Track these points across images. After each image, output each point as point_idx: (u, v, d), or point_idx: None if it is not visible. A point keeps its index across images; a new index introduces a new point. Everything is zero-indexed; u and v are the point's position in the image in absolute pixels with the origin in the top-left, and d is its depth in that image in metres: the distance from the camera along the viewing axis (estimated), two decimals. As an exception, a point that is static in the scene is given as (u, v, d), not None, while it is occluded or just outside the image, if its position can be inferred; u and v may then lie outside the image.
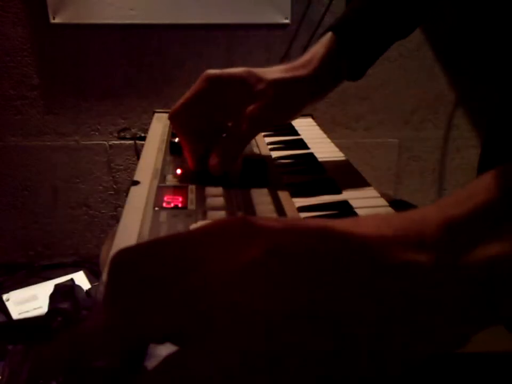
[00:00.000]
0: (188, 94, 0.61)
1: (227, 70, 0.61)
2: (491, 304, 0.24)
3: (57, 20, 1.73)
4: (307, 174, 0.65)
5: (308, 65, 0.63)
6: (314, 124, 0.88)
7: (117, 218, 1.94)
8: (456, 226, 0.25)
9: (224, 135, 0.62)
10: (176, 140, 0.67)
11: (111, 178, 1.95)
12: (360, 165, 0.69)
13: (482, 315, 0.24)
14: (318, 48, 0.65)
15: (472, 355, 0.30)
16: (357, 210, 0.53)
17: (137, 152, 0.71)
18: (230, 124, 0.63)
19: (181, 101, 0.61)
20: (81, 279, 1.75)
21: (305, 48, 1.72)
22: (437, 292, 0.24)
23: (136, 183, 0.57)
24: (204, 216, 0.49)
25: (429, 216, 0.25)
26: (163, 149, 0.69)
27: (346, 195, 0.58)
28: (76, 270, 1.83)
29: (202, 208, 0.51)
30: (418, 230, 0.25)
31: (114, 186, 1.96)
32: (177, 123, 0.62)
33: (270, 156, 0.70)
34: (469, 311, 0.24)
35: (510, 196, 0.25)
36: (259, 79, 0.61)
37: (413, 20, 0.68)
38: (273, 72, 0.63)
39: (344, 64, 0.65)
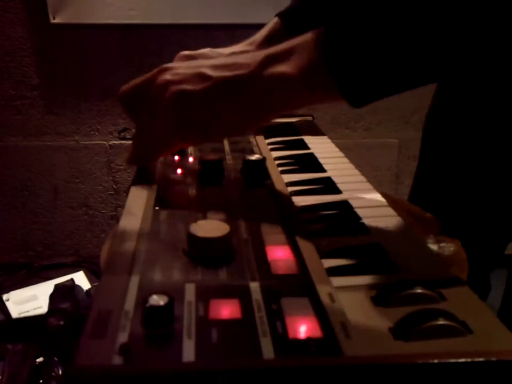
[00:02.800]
0: None
1: (196, 50, 0.78)
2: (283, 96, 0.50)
3: (57, 20, 1.73)
4: (307, 173, 0.65)
5: (252, 44, 0.80)
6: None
7: (117, 218, 1.94)
8: (268, 57, 0.49)
9: None
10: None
11: (111, 178, 1.95)
12: (360, 165, 0.69)
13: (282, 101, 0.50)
14: (262, 30, 0.81)
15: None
16: (357, 210, 0.53)
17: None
18: None
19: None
20: (81, 279, 1.75)
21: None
22: (257, 87, 0.49)
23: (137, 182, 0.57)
24: (204, 216, 0.49)
25: (262, 51, 0.50)
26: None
27: (346, 195, 0.58)
28: (76, 270, 1.83)
29: (203, 208, 0.51)
30: (249, 60, 0.50)
31: (114, 186, 1.96)
32: None
33: (271, 155, 0.70)
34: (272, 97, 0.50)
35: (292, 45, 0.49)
36: (220, 55, 0.78)
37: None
38: (231, 48, 0.80)
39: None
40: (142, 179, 0.58)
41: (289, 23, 0.80)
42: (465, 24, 0.40)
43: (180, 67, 0.54)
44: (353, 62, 0.44)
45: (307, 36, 0.48)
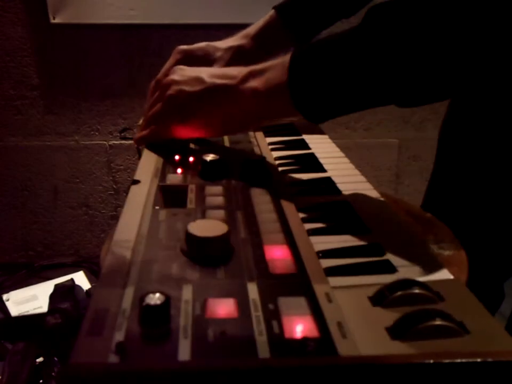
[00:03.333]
0: (167, 65, 0.78)
1: (193, 45, 0.80)
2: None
3: (57, 20, 1.72)
4: (307, 173, 0.64)
5: (247, 36, 0.82)
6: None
7: (117, 218, 1.94)
8: (250, 72, 0.58)
9: None
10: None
11: (111, 178, 1.95)
12: (360, 165, 0.69)
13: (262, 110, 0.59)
14: (257, 22, 0.83)
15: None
16: (357, 210, 0.53)
17: (139, 151, 0.72)
18: None
19: (162, 70, 0.77)
20: (81, 279, 1.75)
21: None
22: (236, 97, 0.59)
23: (137, 182, 0.57)
24: (203, 215, 0.49)
25: (249, 67, 0.59)
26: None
27: (346, 195, 0.57)
28: (76, 270, 1.82)
29: (202, 207, 0.51)
30: (237, 73, 0.60)
31: (114, 186, 1.96)
32: None
33: (271, 155, 0.70)
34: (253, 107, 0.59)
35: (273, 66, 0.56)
36: (217, 48, 0.80)
37: (352, 3, 0.82)
38: (227, 41, 0.82)
39: (285, 34, 0.81)
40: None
41: (285, 16, 0.81)
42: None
43: (187, 70, 0.66)
44: (309, 87, 0.53)
45: (283, 58, 0.55)
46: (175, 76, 0.65)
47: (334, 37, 0.52)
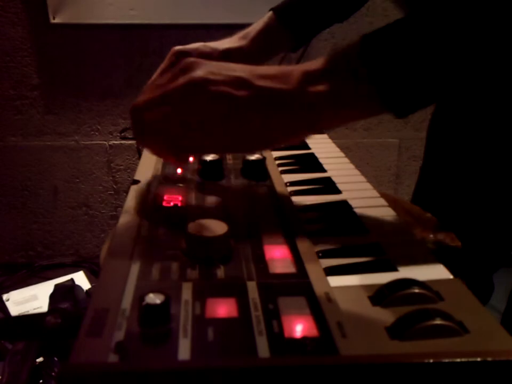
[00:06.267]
0: (161, 66, 0.74)
1: (188, 45, 0.76)
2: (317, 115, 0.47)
3: (57, 20, 1.72)
4: (307, 173, 0.65)
5: (246, 37, 0.79)
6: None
7: (117, 218, 1.94)
8: (307, 74, 0.47)
9: None
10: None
11: (111, 178, 1.95)
12: (360, 165, 0.69)
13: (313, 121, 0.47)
14: (256, 24, 0.81)
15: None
16: (357, 210, 0.53)
17: (139, 151, 0.72)
18: None
19: (157, 72, 0.73)
20: (81, 279, 1.75)
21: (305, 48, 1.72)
22: (295, 105, 0.46)
23: (137, 182, 0.57)
24: (203, 215, 0.49)
25: (296, 68, 0.48)
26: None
27: (346, 195, 0.57)
28: (76, 270, 1.83)
29: (202, 207, 0.51)
30: (286, 74, 0.47)
31: (114, 186, 1.96)
32: None
33: (271, 155, 0.70)
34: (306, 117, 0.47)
35: (331, 63, 0.47)
36: (213, 49, 0.77)
37: (346, 7, 0.83)
38: (223, 42, 0.79)
39: (284, 35, 0.80)
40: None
41: (284, 17, 0.80)
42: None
43: (213, 65, 0.49)
44: (397, 74, 0.43)
45: (342, 53, 0.46)
46: (204, 73, 0.48)
47: (400, 27, 0.45)
